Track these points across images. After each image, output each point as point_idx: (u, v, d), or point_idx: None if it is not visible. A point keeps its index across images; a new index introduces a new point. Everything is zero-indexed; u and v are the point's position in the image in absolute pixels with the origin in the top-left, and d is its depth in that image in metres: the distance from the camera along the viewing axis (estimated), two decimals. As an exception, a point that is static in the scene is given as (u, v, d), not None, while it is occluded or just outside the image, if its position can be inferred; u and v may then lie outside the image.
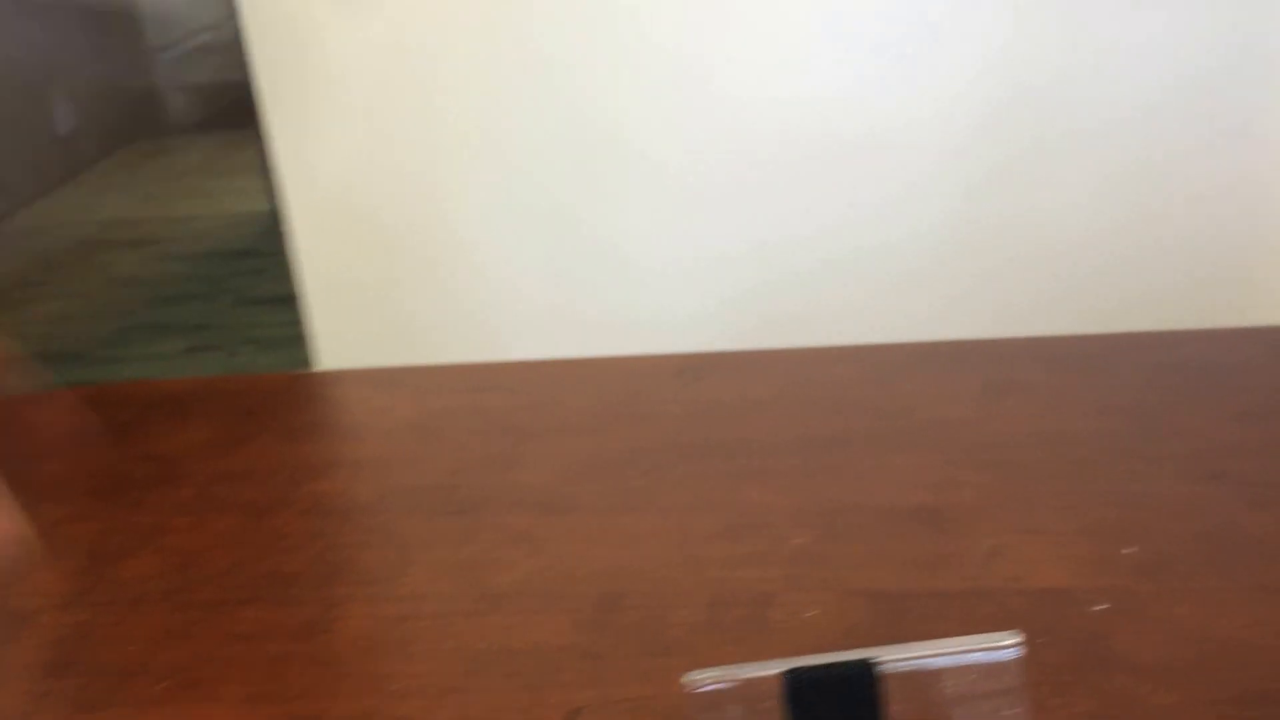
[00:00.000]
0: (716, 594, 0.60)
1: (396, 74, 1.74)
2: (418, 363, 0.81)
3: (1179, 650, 0.53)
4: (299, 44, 1.72)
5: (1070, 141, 1.68)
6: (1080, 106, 1.66)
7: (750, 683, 0.36)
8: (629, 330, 1.88)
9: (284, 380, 0.81)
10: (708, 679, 0.36)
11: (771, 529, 0.64)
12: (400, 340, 1.98)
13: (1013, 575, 0.59)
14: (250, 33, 1.73)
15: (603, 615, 0.59)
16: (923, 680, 0.37)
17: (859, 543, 0.63)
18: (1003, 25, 1.66)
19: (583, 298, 1.88)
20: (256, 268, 3.45)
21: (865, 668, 0.36)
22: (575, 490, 0.68)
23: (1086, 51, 1.63)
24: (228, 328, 3.11)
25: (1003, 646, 0.36)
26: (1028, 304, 1.77)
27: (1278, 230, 1.69)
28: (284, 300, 2.66)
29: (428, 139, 1.78)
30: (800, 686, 0.36)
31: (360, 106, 1.76)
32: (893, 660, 0.36)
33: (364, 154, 1.78)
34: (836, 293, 1.81)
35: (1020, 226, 1.73)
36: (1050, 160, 1.69)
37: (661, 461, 0.70)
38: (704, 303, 1.87)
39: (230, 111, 4.75)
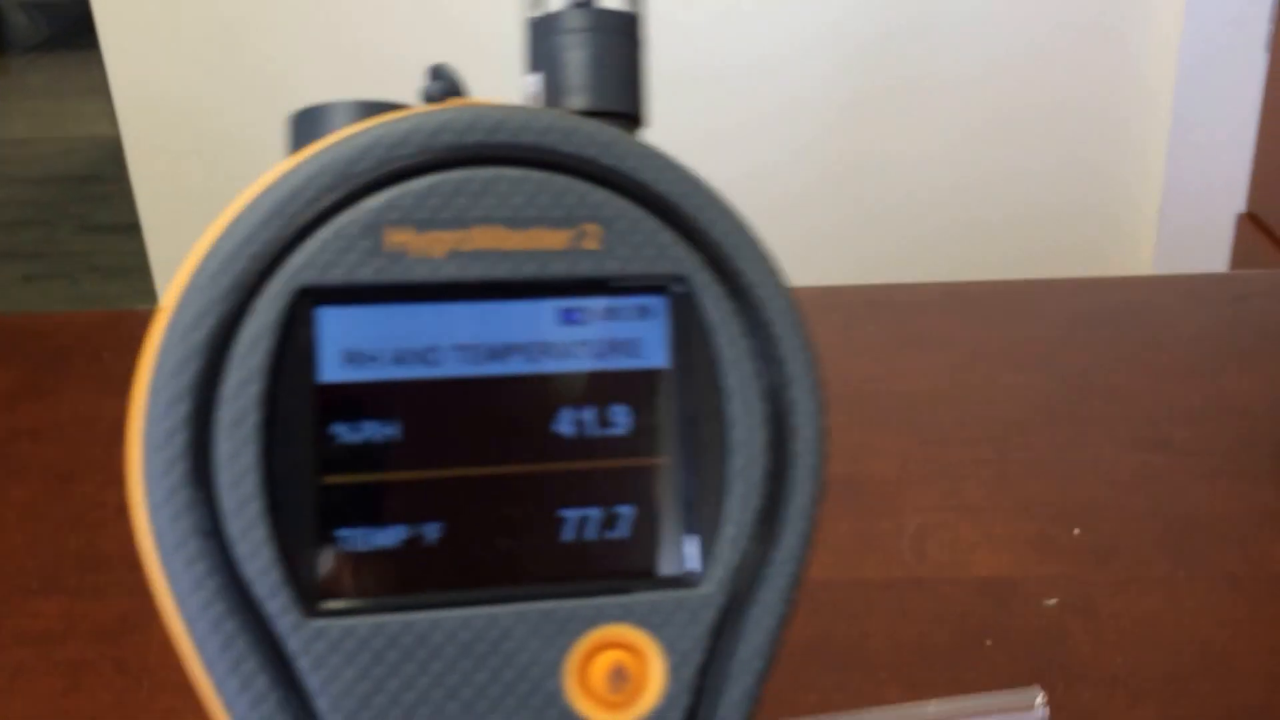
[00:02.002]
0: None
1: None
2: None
3: (1144, 655, 0.46)
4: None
5: (927, 91, 1.61)
6: (941, 54, 1.59)
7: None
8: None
9: (104, 318, 0.69)
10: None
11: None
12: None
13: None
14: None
15: None
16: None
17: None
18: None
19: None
20: (101, 194, 3.27)
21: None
22: None
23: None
24: (69, 255, 2.93)
25: (1028, 707, 0.28)
26: (874, 250, 1.71)
27: (1135, 195, 1.66)
28: (131, 228, 2.50)
29: (279, 56, 1.63)
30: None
31: (201, 16, 1.61)
32: None
33: (206, 69, 1.62)
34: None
35: (871, 172, 1.66)
36: (907, 108, 1.62)
37: None
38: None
39: (75, 30, 4.46)
